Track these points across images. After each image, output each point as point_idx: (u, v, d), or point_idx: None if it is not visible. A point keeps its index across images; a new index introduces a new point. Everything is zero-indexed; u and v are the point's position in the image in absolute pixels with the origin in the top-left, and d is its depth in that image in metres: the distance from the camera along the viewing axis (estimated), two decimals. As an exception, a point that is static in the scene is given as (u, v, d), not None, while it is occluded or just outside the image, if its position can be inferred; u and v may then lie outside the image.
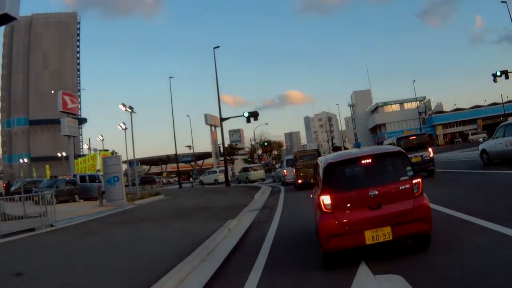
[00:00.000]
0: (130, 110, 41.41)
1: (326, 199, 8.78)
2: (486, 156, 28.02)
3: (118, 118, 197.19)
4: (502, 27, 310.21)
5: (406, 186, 8.67)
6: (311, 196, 11.55)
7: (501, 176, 20.91)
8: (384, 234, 8.45)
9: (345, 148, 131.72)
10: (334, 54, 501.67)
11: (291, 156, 43.68)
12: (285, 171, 43.73)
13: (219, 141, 70.86)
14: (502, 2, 52.83)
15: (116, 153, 77.22)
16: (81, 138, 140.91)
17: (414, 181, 8.72)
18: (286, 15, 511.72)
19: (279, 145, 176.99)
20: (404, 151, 9.43)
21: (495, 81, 52.71)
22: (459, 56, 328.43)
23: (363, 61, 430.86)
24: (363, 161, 9.20)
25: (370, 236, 8.45)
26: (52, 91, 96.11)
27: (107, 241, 15.96)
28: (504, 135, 25.74)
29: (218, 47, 57.28)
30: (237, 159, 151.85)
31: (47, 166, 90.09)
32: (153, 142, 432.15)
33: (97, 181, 44.15)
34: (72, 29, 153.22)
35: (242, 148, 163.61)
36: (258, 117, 54.15)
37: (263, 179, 64.61)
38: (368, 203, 8.52)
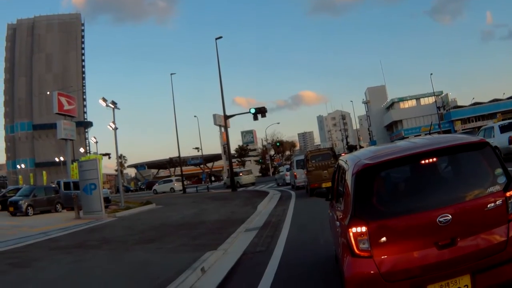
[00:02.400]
0: (112, 106, 36.43)
1: (360, 231, 5.13)
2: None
3: (126, 121, 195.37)
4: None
5: (497, 202, 5.04)
6: (330, 213, 8.09)
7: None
8: None
9: (361, 147, 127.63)
10: (346, 53, 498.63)
11: (301, 157, 39.24)
12: (295, 173, 38.75)
13: (231, 142, 66.97)
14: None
15: (109, 156, 73.15)
16: (87, 142, 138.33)
17: (509, 193, 5.07)
18: (297, 15, 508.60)
19: (292, 145, 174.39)
20: (488, 142, 5.61)
21: None
22: (471, 52, 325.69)
23: (376, 58, 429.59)
24: (422, 162, 5.49)
25: None
26: (47, 93, 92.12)
27: (32, 280, 11.71)
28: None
29: (220, 37, 53.26)
30: (249, 160, 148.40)
31: (44, 172, 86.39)
32: (162, 144, 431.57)
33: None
34: (75, 30, 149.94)
35: (254, 149, 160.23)
36: (267, 115, 50.63)
37: (253, 183, 63.76)
38: (435, 236, 4.98)
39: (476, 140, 5.67)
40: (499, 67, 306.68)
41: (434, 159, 5.55)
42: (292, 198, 29.36)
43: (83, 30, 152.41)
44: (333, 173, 8.32)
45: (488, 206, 5.12)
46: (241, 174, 66.88)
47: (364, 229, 5.14)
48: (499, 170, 5.33)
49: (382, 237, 5.12)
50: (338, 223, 6.37)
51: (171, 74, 68.09)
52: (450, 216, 4.99)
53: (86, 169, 28.74)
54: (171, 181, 76.51)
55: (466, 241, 5.03)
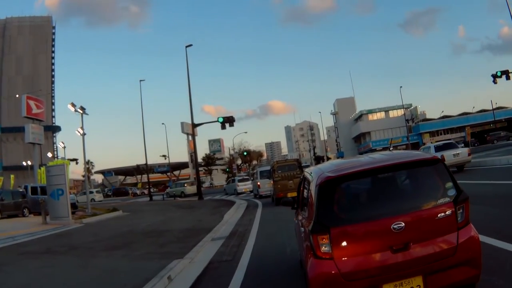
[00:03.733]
0: (81, 112, 36.19)
1: (322, 237, 5.69)
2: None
3: (94, 126, 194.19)
4: (484, 37, 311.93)
5: (447, 212, 5.73)
6: (295, 220, 8.68)
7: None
8: None
9: (328, 158, 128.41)
10: (316, 63, 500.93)
11: (265, 168, 44.95)
12: (259, 183, 42.33)
13: (198, 150, 67.19)
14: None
15: (77, 161, 72.60)
16: (55, 147, 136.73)
17: (457, 205, 5.77)
18: (268, 24, 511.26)
19: (259, 155, 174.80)
20: (440, 159, 6.30)
21: (494, 82, 49.36)
22: (442, 65, 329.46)
23: (346, 70, 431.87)
24: (379, 175, 6.25)
25: None
26: (17, 95, 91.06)
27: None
28: None
29: (190, 45, 53.67)
30: (216, 169, 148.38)
31: (12, 176, 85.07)
32: (130, 151, 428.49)
33: (48, 194, 38.22)
34: (46, 33, 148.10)
35: (221, 158, 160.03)
36: (235, 123, 50.97)
37: (191, 193, 65.98)
38: (390, 241, 5.58)
39: (430, 157, 6.30)
40: (470, 81, 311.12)
41: (390, 173, 6.20)
42: (258, 207, 29.57)
43: (54, 33, 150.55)
44: (298, 184, 8.73)
45: (439, 215, 5.68)
46: (186, 185, 71.72)
47: (325, 234, 5.62)
48: (449, 184, 5.90)
49: (342, 241, 5.61)
50: (302, 229, 6.90)
51: (140, 80, 68.00)
52: (403, 224, 5.53)
53: (54, 174, 28.43)
54: (92, 192, 76.55)
55: (418, 246, 5.57)
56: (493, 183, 21.83)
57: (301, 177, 8.53)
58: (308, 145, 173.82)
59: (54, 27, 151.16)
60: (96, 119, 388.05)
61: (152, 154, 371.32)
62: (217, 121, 49.46)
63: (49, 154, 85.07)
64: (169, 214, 31.34)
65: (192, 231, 19.37)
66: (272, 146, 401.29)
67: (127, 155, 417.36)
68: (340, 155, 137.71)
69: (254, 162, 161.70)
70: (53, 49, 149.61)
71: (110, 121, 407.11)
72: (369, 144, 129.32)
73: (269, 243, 14.38)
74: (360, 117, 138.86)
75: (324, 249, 5.67)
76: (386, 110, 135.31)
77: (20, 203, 36.30)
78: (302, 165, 36.30)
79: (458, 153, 32.28)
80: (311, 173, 7.00)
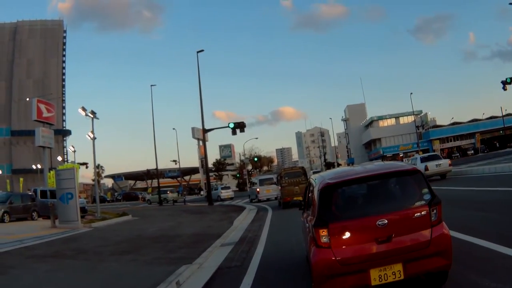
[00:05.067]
0: (92, 116, 36.20)
1: (322, 230, 7.20)
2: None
3: (105, 131, 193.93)
4: (494, 43, 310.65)
5: (422, 213, 7.17)
6: (302, 219, 10.24)
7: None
8: (394, 272, 6.99)
9: (339, 165, 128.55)
10: (327, 69, 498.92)
11: (263, 177, 54.15)
12: (258, 189, 48.02)
13: (209, 156, 67.45)
14: (510, 4, 48.32)
15: (87, 165, 72.35)
16: (65, 151, 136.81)
17: (431, 207, 7.21)
18: (279, 31, 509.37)
19: (269, 160, 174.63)
20: (419, 170, 7.98)
21: (504, 88, 48.06)
22: (453, 72, 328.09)
23: (357, 76, 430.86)
24: (369, 182, 7.88)
25: (377, 276, 6.98)
26: (27, 99, 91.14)
27: None
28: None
29: (202, 51, 53.37)
30: (227, 174, 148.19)
31: (21, 179, 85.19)
32: (140, 156, 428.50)
33: (58, 197, 38.19)
34: (57, 37, 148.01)
35: (232, 164, 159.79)
36: (246, 129, 51.51)
37: (175, 201, 72.18)
38: (376, 235, 7.01)
39: (410, 168, 7.77)
40: (480, 88, 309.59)
41: (377, 180, 7.71)
42: (268, 214, 29.26)
43: (65, 37, 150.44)
44: (305, 189, 10.36)
45: (416, 215, 7.09)
46: (168, 192, 77.05)
47: (325, 228, 7.07)
48: (425, 190, 7.29)
49: (338, 234, 7.06)
50: (307, 224, 8.38)
51: (151, 85, 67.90)
52: (387, 221, 6.93)
53: (63, 178, 28.44)
54: (166, 192, 78.84)
55: (399, 239, 6.93)
56: (466, 189, 25.65)
57: (307, 183, 9.99)
58: (319, 151, 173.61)
59: (65, 31, 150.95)
60: (106, 123, 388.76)
61: (163, 159, 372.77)
62: (228, 126, 49.19)
63: (59, 158, 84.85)
64: (179, 219, 31.21)
65: (202, 237, 19.26)
66: (282, 152, 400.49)
67: (138, 160, 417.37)
68: (350, 161, 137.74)
69: (265, 167, 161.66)
70: (64, 53, 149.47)
71: (120, 125, 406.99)
72: (380, 150, 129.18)
73: (278, 249, 14.22)
74: (370, 123, 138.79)
75: (324, 240, 7.10)
76: (397, 117, 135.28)
77: (29, 206, 36.13)
78: (314, 170, 39.61)
79: (440, 164, 37.29)
80: (315, 179, 8.50)
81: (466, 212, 16.24)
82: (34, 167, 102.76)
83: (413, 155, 47.87)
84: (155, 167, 69.13)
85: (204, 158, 56.48)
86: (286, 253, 12.97)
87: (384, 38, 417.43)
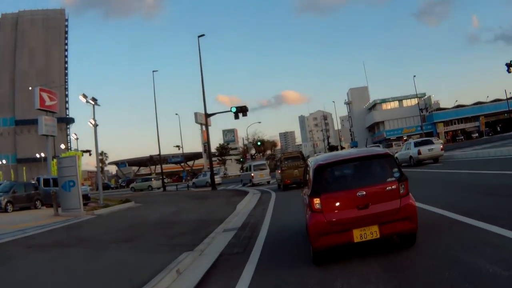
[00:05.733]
0: (93, 103, 35.89)
1: (315, 199, 9.14)
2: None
3: (109, 117, 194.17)
4: (498, 26, 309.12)
5: (393, 187, 9.11)
6: (302, 195, 12.61)
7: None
8: (371, 232, 8.91)
9: (342, 148, 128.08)
10: (331, 53, 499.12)
11: (257, 162, 58.43)
12: (252, 174, 51.41)
13: (212, 141, 67.41)
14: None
15: (90, 153, 72.16)
16: (68, 139, 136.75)
17: (400, 182, 9.16)
18: (283, 14, 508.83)
19: (273, 144, 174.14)
20: (391, 154, 10.17)
21: (509, 71, 48.41)
22: (456, 55, 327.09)
23: (360, 59, 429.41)
24: (351, 163, 9.96)
25: (358, 235, 8.90)
26: (30, 88, 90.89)
27: (6, 279, 11.47)
28: (405, 149, 43.47)
29: (203, 35, 53.16)
30: (230, 159, 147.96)
31: (23, 168, 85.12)
32: (144, 142, 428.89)
33: (62, 185, 37.96)
34: (59, 26, 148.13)
35: (235, 148, 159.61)
36: (250, 114, 51.07)
37: (159, 188, 74.50)
38: (357, 203, 8.92)
39: (384, 152, 9.95)
40: (484, 71, 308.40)
41: (357, 162, 9.79)
42: (271, 198, 28.88)
43: (67, 26, 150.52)
44: (304, 169, 12.47)
45: (387, 188, 8.98)
46: (153, 180, 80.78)
47: (318, 197, 9.03)
48: (396, 169, 9.28)
49: (327, 202, 8.97)
50: (305, 196, 10.41)
51: (153, 71, 67.81)
52: (365, 192, 8.83)
53: (65, 165, 28.21)
54: (150, 179, 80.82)
55: (375, 206, 8.80)
56: (450, 171, 28.64)
57: (305, 165, 11.99)
58: (322, 134, 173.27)
59: (67, 20, 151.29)
60: (110, 110, 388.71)
61: (166, 144, 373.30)
62: (230, 111, 48.86)
63: (62, 146, 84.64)
64: (182, 205, 31.01)
65: (204, 222, 19.03)
66: (286, 136, 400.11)
67: (141, 146, 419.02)
68: (353, 144, 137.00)
69: (268, 151, 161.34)
70: (66, 41, 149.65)
71: (124, 112, 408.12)
72: (383, 133, 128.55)
73: (281, 235, 13.91)
74: (373, 106, 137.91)
75: (317, 206, 9.02)
76: (400, 100, 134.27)
77: (33, 195, 36.17)
78: (318, 154, 41.45)
79: (433, 148, 39.31)
80: (311, 162, 10.57)
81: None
82: (38, 156, 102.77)
83: (407, 140, 53.03)
84: (158, 152, 68.96)
85: (206, 143, 56.29)
86: (290, 240, 12.73)
87: (388, 21, 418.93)
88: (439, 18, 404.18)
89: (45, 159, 78.67)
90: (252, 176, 51.02)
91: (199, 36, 52.27)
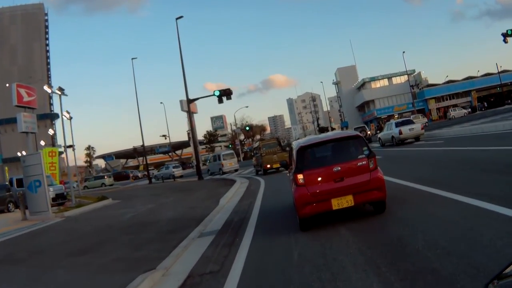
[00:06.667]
0: (59, 93, 33.33)
1: (299, 175, 10.86)
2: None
3: (95, 111, 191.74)
4: (482, 2, 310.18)
5: (363, 162, 10.77)
6: (288, 174, 14.72)
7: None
8: (347, 201, 10.54)
9: (333, 129, 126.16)
10: (316, 34, 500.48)
11: (226, 152, 62.94)
12: (222, 163, 54.66)
13: (201, 128, 66.23)
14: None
15: (73, 148, 69.53)
16: (54, 135, 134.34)
17: (369, 158, 10.84)
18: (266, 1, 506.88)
19: (262, 129, 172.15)
20: (361, 135, 11.72)
21: (505, 41, 46.33)
22: (442, 33, 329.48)
23: (346, 39, 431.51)
24: (328, 144, 11.67)
25: (336, 203, 10.53)
26: (7, 85, 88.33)
27: None
28: (387, 130, 43.90)
29: (181, 17, 50.68)
30: (220, 146, 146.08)
31: (6, 168, 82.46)
32: (131, 133, 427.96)
33: (37, 185, 35.36)
34: (39, 20, 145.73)
35: (224, 135, 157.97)
36: (238, 99, 53.11)
37: (112, 184, 78.21)
38: (333, 177, 10.63)
39: (355, 134, 11.64)
40: (471, 46, 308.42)
41: (333, 143, 11.55)
42: (260, 189, 25.93)
43: (47, 21, 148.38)
44: (289, 153, 14.34)
45: (359, 164, 10.74)
46: (105, 177, 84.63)
47: (301, 173, 10.82)
48: (365, 148, 10.96)
49: (309, 177, 10.75)
50: (290, 174, 12.55)
51: (132, 58, 65.15)
52: (340, 168, 10.62)
53: (29, 164, 25.64)
54: (103, 177, 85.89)
55: (349, 179, 10.55)
56: (423, 149, 30.77)
57: (290, 147, 14.19)
58: (311, 116, 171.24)
59: (46, 14, 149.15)
60: (96, 103, 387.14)
61: (154, 134, 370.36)
62: (214, 95, 46.20)
63: (42, 143, 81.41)
64: (162, 200, 28.19)
65: (180, 223, 16.39)
66: (275, 120, 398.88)
67: (128, 138, 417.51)
68: (344, 125, 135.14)
69: (258, 136, 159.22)
70: (47, 36, 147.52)
71: (110, 105, 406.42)
72: (374, 112, 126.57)
73: (271, 242, 10.97)
74: (362, 85, 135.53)
75: (301, 181, 10.76)
76: (389, 77, 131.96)
77: (5, 197, 34.05)
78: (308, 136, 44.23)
79: (413, 128, 40.38)
80: (294, 144, 12.57)
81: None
82: (19, 154, 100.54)
83: (392, 119, 57.72)
84: (145, 143, 66.87)
85: (191, 130, 53.53)
86: (282, 249, 9.93)
87: (373, 1, 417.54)
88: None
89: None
90: (222, 165, 54.40)
91: (177, 18, 50.00)
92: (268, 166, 38.81)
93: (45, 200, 24.98)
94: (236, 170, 55.19)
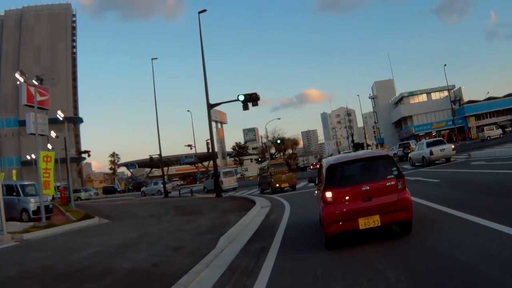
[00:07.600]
0: (36, 83, 29.54)
1: (328, 193, 10.85)
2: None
3: (122, 118, 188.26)
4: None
5: (392, 183, 10.76)
6: (316, 192, 14.94)
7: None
8: (374, 221, 10.52)
9: (368, 145, 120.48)
10: (351, 50, 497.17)
11: (225, 170, 65.61)
12: (222, 180, 54.19)
13: (233, 140, 63.77)
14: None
15: (89, 154, 64.96)
16: (78, 139, 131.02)
17: (398, 179, 10.82)
18: (303, 13, 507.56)
19: (294, 142, 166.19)
20: (391, 155, 12.09)
21: None
22: (477, 50, 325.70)
23: (382, 55, 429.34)
24: (357, 163, 11.77)
25: (363, 223, 10.53)
26: (18, 83, 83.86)
27: None
28: (418, 149, 43.71)
29: (204, 11, 45.38)
30: (250, 159, 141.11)
31: (14, 171, 78.02)
32: (157, 142, 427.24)
33: (14, 193, 30.57)
34: (66, 21, 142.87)
35: (255, 148, 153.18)
36: (271, 113, 50.76)
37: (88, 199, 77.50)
38: (361, 196, 10.63)
39: (385, 154, 12.10)
40: (505, 65, 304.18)
41: (363, 162, 11.76)
42: (283, 218, 18.79)
43: (74, 21, 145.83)
44: (318, 169, 14.52)
45: (387, 184, 10.71)
46: (81, 191, 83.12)
47: (330, 191, 10.81)
48: (395, 168, 11.03)
49: (337, 195, 10.76)
50: (319, 192, 12.59)
51: (152, 59, 60.24)
52: (369, 187, 10.57)
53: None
54: (79, 190, 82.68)
55: (377, 199, 10.52)
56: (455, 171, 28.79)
57: (320, 164, 14.28)
58: (346, 131, 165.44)
59: (74, 15, 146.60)
60: (124, 111, 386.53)
61: (180, 144, 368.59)
62: (238, 99, 40.10)
63: (49, 146, 76.15)
64: (152, 227, 21.36)
65: (143, 280, 10.10)
66: (308, 135, 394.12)
67: (154, 146, 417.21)
68: (379, 141, 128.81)
69: (289, 151, 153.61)
70: (74, 37, 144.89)
71: (137, 112, 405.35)
72: (412, 129, 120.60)
73: None
74: (400, 100, 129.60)
75: (329, 199, 10.76)
76: (428, 92, 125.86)
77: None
78: (344, 152, 42.23)
79: (444, 148, 39.47)
80: (324, 162, 12.68)
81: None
82: (28, 157, 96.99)
83: (421, 141, 55.49)
84: (171, 153, 62.81)
85: (210, 140, 47.09)
86: None
87: (407, 18, 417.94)
88: (458, 14, 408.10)
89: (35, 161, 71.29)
90: (222, 182, 54.18)
91: (199, 12, 44.69)
92: (277, 185, 38.86)
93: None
94: (234, 189, 56.48)
